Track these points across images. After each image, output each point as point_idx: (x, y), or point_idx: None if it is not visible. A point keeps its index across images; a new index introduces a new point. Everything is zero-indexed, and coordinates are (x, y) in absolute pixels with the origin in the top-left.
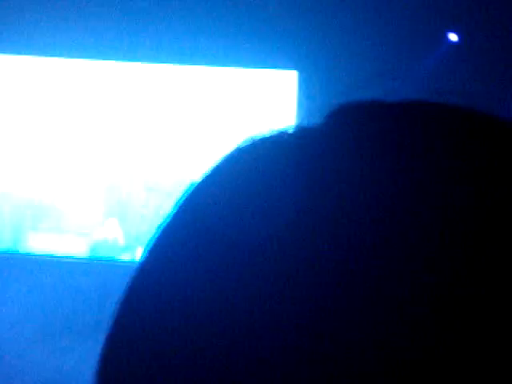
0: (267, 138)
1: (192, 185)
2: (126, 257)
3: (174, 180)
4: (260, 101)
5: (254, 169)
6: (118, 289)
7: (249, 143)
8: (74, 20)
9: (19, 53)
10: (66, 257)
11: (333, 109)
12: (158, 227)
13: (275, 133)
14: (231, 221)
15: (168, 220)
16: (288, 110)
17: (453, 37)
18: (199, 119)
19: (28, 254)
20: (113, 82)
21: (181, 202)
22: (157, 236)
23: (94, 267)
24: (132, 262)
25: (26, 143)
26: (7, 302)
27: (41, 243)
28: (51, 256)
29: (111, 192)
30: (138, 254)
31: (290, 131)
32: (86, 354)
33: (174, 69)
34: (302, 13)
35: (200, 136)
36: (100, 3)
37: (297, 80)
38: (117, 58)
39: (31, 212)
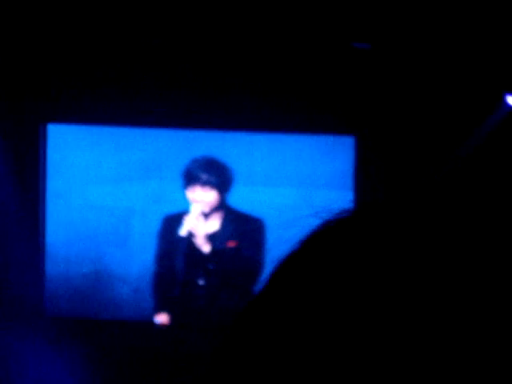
0: (346, 217)
1: (285, 256)
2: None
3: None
4: (318, 166)
5: (342, 248)
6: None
7: (332, 222)
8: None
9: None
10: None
11: (397, 191)
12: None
13: (353, 211)
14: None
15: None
16: (345, 174)
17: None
18: (257, 184)
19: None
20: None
21: (276, 272)
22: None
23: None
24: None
25: None
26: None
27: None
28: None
29: None
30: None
31: (368, 210)
32: None
33: (234, 135)
34: (358, 78)
35: (258, 202)
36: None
37: (354, 145)
38: (177, 125)
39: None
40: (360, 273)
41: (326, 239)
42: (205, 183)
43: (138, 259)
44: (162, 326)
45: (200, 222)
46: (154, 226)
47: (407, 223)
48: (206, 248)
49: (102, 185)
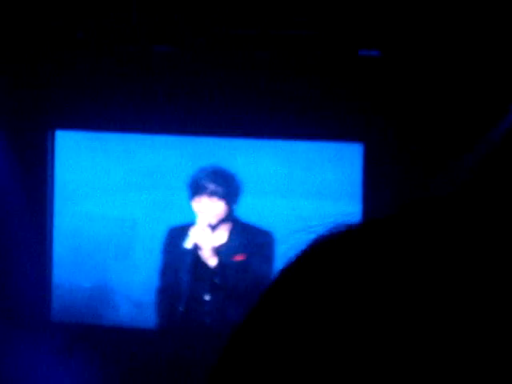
0: (348, 230)
1: (283, 269)
2: None
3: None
4: (326, 173)
5: (341, 260)
6: None
7: (333, 234)
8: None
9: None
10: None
11: (404, 204)
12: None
13: (354, 225)
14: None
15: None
16: (354, 182)
17: None
18: (264, 193)
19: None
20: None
21: (275, 281)
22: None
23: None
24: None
25: None
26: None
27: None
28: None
29: None
30: None
31: (371, 223)
32: None
33: (241, 142)
34: (367, 85)
35: (264, 208)
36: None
37: (362, 152)
38: (184, 132)
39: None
40: (356, 284)
41: (323, 251)
42: (212, 193)
43: (141, 272)
44: (165, 334)
45: (206, 234)
46: (158, 237)
47: (409, 234)
48: (212, 261)
49: (109, 192)
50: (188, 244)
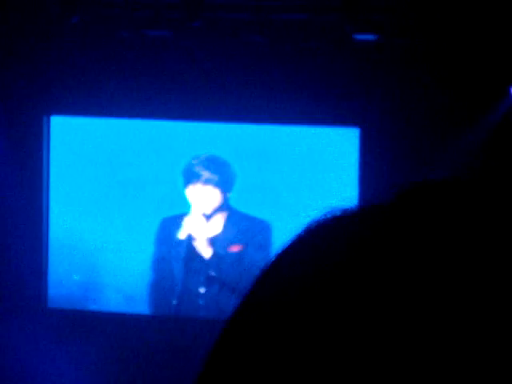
0: (344, 213)
1: (280, 250)
2: None
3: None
4: (322, 158)
5: (334, 244)
6: None
7: (328, 218)
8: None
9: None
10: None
11: (401, 189)
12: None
13: (351, 209)
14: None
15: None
16: (350, 166)
17: None
18: (261, 177)
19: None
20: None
21: (270, 265)
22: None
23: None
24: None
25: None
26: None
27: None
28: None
29: None
30: None
31: (366, 208)
32: None
33: (237, 128)
34: (363, 70)
35: (262, 194)
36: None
37: (359, 137)
38: (180, 117)
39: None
40: (349, 271)
41: (316, 236)
42: (206, 181)
43: (133, 265)
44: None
45: (201, 224)
46: (151, 227)
47: (404, 221)
48: (207, 253)
49: (102, 179)
50: (182, 235)
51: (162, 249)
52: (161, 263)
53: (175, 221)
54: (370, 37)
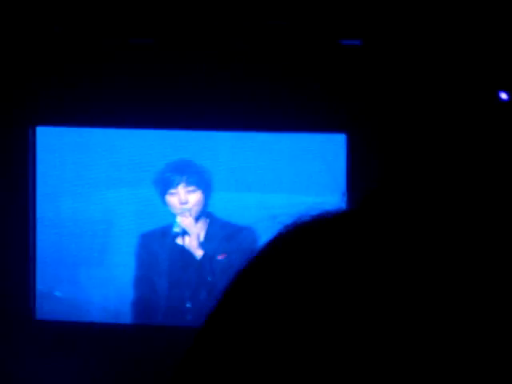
0: (315, 221)
1: (253, 256)
2: None
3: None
4: (309, 164)
5: (303, 251)
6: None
7: (297, 226)
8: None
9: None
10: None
11: (366, 195)
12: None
13: (321, 217)
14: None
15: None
16: (337, 172)
17: (504, 95)
18: (245, 185)
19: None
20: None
21: (243, 271)
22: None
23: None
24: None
25: None
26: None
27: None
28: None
29: None
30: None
31: (335, 215)
32: None
33: (219, 135)
34: (349, 74)
35: (249, 198)
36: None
37: (345, 143)
38: (169, 126)
39: None
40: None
41: (283, 243)
42: (187, 183)
43: (116, 280)
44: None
45: (191, 223)
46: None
47: (361, 228)
48: (198, 253)
49: (91, 189)
50: (177, 228)
51: (144, 266)
52: (143, 281)
53: (154, 236)
54: (355, 42)
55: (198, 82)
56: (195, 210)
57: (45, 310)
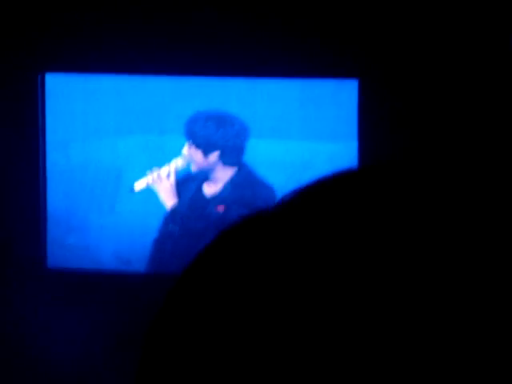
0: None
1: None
2: None
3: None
4: (321, 111)
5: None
6: None
7: (249, 220)
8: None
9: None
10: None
11: (303, 188)
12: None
13: (265, 211)
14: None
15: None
16: (349, 120)
17: None
18: (259, 131)
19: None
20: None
21: (190, 268)
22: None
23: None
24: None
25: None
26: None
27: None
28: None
29: None
30: None
31: (273, 209)
32: None
33: (236, 81)
34: (362, 19)
35: (259, 147)
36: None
37: (358, 88)
38: (180, 73)
39: None
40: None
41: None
42: (203, 142)
43: (129, 226)
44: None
45: (164, 179)
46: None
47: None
48: (208, 190)
49: (102, 137)
50: (137, 186)
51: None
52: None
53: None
54: None
55: (210, 27)
56: (197, 165)
57: (56, 258)
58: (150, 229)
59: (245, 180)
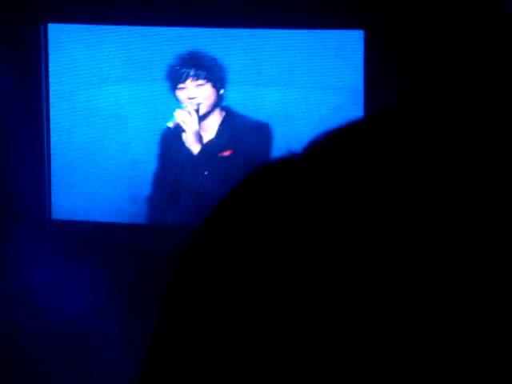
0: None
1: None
2: None
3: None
4: (327, 62)
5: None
6: None
7: (264, 170)
8: None
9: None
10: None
11: (315, 140)
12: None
13: (282, 161)
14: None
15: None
16: (355, 69)
17: None
18: (263, 83)
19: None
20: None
21: (210, 216)
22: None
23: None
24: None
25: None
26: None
27: None
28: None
29: None
30: None
31: (293, 158)
32: None
33: (242, 32)
34: None
35: (267, 98)
36: None
37: (363, 39)
38: (176, 23)
39: None
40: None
41: (256, 185)
42: (194, 77)
43: (138, 167)
44: (168, 228)
45: (192, 118)
46: (155, 132)
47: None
48: (195, 148)
49: (104, 86)
50: (170, 123)
51: (157, 164)
52: (156, 180)
53: (164, 133)
54: None
55: None
56: (206, 105)
57: (60, 210)
58: (152, 178)
59: (235, 120)
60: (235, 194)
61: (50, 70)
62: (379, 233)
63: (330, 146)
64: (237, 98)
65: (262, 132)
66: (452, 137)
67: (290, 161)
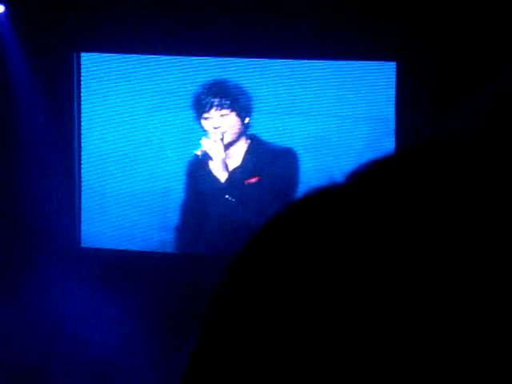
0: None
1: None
2: None
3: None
4: (359, 92)
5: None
6: None
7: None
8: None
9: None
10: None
11: (357, 170)
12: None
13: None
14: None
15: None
16: (387, 101)
17: None
18: (293, 113)
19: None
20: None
21: (249, 245)
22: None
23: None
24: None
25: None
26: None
27: None
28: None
29: None
30: None
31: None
32: None
33: (276, 63)
34: (396, 2)
35: (297, 128)
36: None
37: (395, 71)
38: (204, 53)
39: None
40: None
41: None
42: (219, 106)
43: (170, 195)
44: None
45: (218, 146)
46: (186, 160)
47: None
48: (222, 176)
49: (134, 115)
50: (198, 152)
51: (186, 193)
52: (185, 209)
53: (192, 162)
54: None
55: (247, 9)
56: (230, 134)
57: (90, 237)
58: (184, 208)
59: (261, 149)
60: (280, 223)
61: (82, 97)
62: (422, 278)
63: (373, 178)
64: (265, 127)
65: (287, 158)
66: (498, 175)
67: (333, 191)
